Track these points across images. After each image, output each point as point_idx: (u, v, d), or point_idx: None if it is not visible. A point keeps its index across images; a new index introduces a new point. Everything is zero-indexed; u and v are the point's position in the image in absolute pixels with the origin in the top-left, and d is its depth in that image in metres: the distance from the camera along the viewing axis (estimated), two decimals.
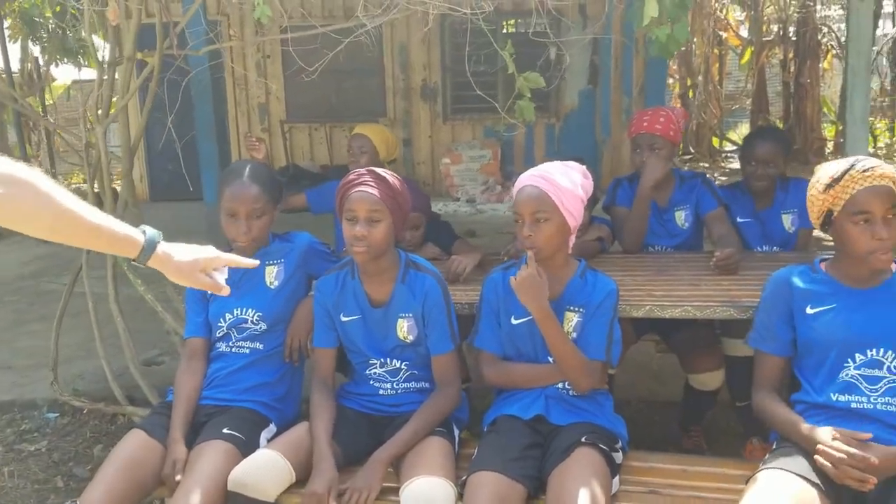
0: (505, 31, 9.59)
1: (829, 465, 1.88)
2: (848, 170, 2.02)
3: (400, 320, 2.37)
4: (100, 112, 3.60)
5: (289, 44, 3.47)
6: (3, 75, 9.43)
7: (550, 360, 2.30)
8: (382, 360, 2.41)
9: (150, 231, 1.57)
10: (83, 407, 3.76)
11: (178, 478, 2.18)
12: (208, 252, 1.63)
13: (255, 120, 10.06)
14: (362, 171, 2.35)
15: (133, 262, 1.56)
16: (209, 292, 2.50)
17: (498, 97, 7.67)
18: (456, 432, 2.39)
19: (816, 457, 1.91)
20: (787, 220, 3.30)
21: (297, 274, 2.59)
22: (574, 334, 2.28)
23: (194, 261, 1.60)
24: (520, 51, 3.39)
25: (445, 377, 2.37)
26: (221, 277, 1.67)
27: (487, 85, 7.95)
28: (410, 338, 2.37)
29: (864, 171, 2.00)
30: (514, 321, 2.33)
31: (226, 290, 1.68)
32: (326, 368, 2.44)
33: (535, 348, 2.32)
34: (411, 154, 9.87)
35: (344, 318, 2.41)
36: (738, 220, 3.32)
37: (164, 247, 1.57)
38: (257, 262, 1.74)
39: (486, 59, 6.02)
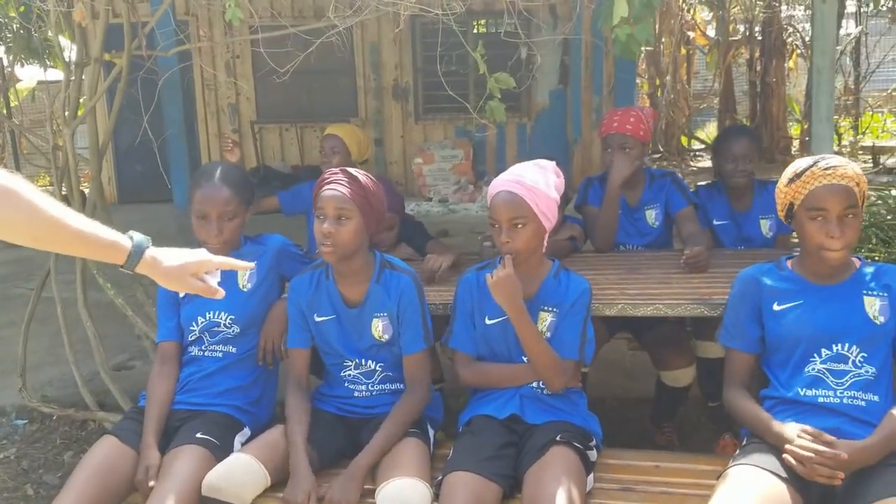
0: (476, 31, 9.62)
1: (798, 464, 1.91)
2: (811, 166, 2.07)
3: (375, 320, 2.37)
4: (67, 114, 3.55)
5: (259, 44, 3.45)
6: None
7: (524, 359, 2.31)
8: (357, 360, 2.41)
9: (138, 236, 1.55)
10: (52, 413, 3.70)
11: (151, 483, 2.15)
12: (199, 255, 1.62)
13: (224, 121, 9.98)
14: (336, 170, 2.35)
15: (121, 269, 1.54)
16: (181, 295, 2.51)
17: (469, 97, 7.71)
18: (431, 433, 2.39)
19: (785, 456, 1.94)
20: (765, 225, 3.33)
21: (269, 276, 2.58)
22: (548, 334, 2.29)
23: (184, 265, 1.58)
24: (491, 51, 3.41)
25: (416, 377, 2.37)
26: (214, 280, 1.65)
27: (459, 85, 7.99)
28: (386, 337, 2.37)
29: (825, 168, 2.04)
30: (488, 321, 2.34)
31: (220, 294, 1.67)
32: (301, 369, 2.43)
33: (508, 348, 2.33)
34: (383, 154, 9.86)
35: (318, 319, 2.41)
36: (715, 222, 3.35)
37: (152, 252, 1.55)
38: (252, 264, 1.71)
39: (457, 60, 6.06)
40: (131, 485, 2.23)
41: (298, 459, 2.19)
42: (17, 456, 3.47)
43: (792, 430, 1.98)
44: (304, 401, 2.36)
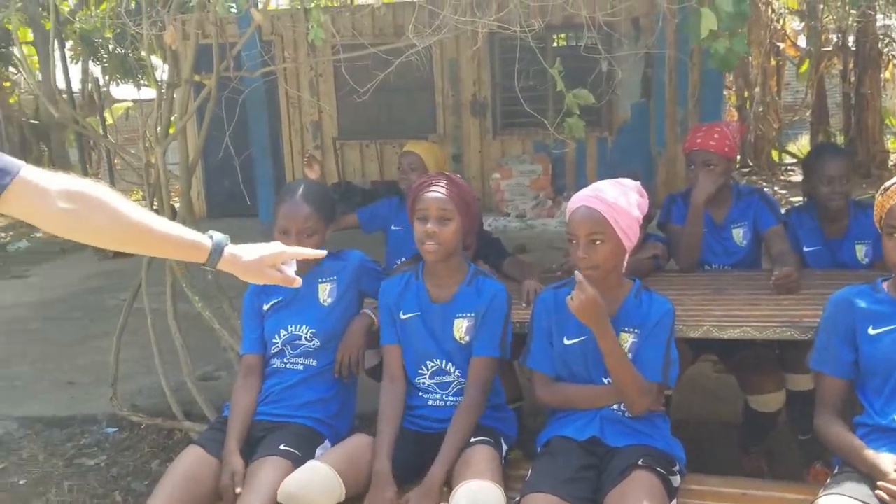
0: (556, 44, 9.56)
1: (891, 501, 1.81)
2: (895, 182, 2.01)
3: (458, 320, 2.39)
4: (159, 132, 3.70)
5: (341, 63, 3.51)
6: (65, 96, 9.76)
7: (605, 381, 2.26)
8: (435, 362, 2.41)
9: (217, 235, 1.61)
10: (141, 422, 3.83)
11: (237, 490, 2.20)
12: (274, 248, 1.67)
13: (308, 138, 10.22)
14: (434, 173, 2.45)
15: (203, 266, 1.59)
16: (265, 308, 2.57)
17: (548, 112, 7.65)
18: (503, 447, 2.37)
19: (877, 492, 1.84)
20: (861, 251, 3.12)
21: (349, 291, 2.61)
22: (630, 355, 2.24)
23: (261, 258, 1.64)
24: (570, 65, 3.37)
25: (478, 379, 2.35)
26: (290, 270, 1.70)
27: (537, 99, 7.93)
28: (466, 339, 2.38)
29: None
30: (566, 341, 2.30)
31: (297, 282, 1.72)
32: (394, 366, 2.46)
33: (588, 369, 2.29)
34: (461, 169, 9.90)
35: (403, 316, 2.44)
36: (805, 249, 3.17)
37: (231, 249, 1.61)
38: (324, 252, 1.79)
39: (535, 74, 6.02)
40: (215, 494, 2.28)
41: (382, 465, 2.20)
42: (107, 463, 3.60)
43: (887, 462, 1.87)
44: (397, 397, 2.40)
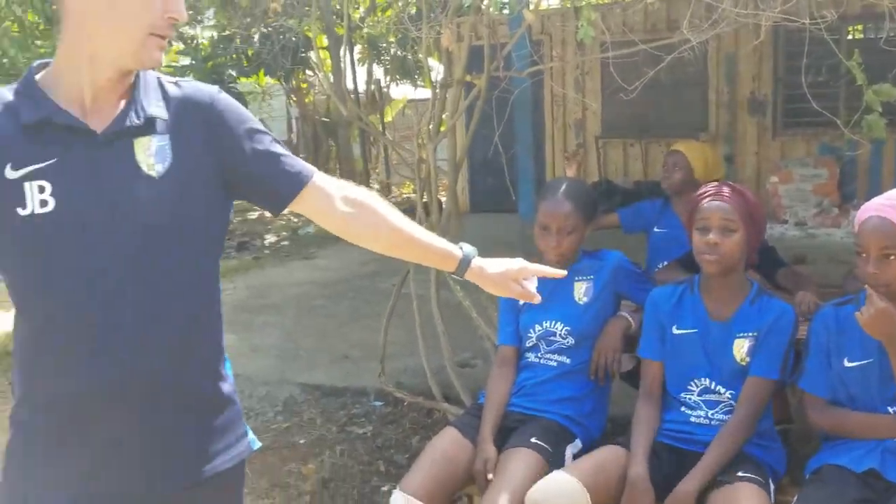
0: (851, 37, 8.68)
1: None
2: None
3: (739, 339, 2.26)
4: (431, 129, 3.92)
5: (609, 61, 3.48)
6: (352, 96, 10.69)
7: (890, 410, 2.02)
8: (707, 381, 2.30)
9: (467, 247, 1.69)
10: (404, 399, 4.10)
11: (489, 476, 2.28)
12: (517, 263, 1.72)
13: (570, 136, 10.25)
14: (719, 183, 2.34)
15: (451, 276, 1.69)
16: (521, 303, 2.63)
17: (839, 111, 6.97)
18: (771, 486, 2.19)
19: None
20: None
21: (605, 292, 2.60)
22: (748, 358, 2.10)
23: (505, 271, 1.69)
24: (868, 59, 3.04)
25: (751, 401, 2.21)
26: (532, 286, 1.74)
27: (826, 97, 7.27)
28: (747, 360, 2.25)
29: None
30: (847, 363, 2.09)
31: (537, 298, 1.75)
32: (654, 382, 2.39)
33: (870, 395, 2.06)
34: (734, 171, 9.32)
35: (677, 331, 2.35)
36: None
37: (478, 261, 1.68)
38: (564, 272, 1.80)
39: (826, 70, 5.52)
40: (467, 475, 2.38)
41: (640, 469, 2.16)
42: (373, 434, 3.91)
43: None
44: (654, 413, 2.33)
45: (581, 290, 2.60)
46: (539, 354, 2.60)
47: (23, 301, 1.34)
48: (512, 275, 1.70)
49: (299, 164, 1.51)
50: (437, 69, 4.33)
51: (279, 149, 1.49)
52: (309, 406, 4.32)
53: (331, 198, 1.52)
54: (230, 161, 1.42)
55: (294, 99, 14.50)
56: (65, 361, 1.32)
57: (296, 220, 11.66)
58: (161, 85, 1.41)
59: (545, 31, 8.97)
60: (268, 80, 12.85)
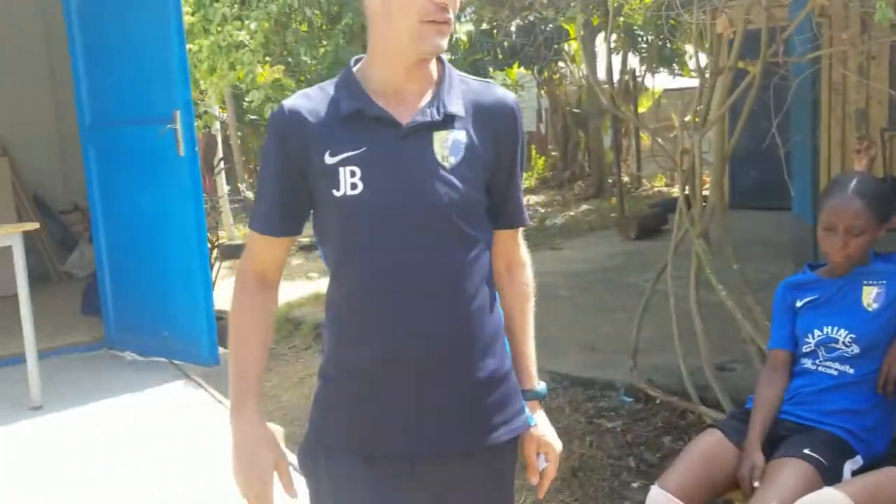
0: None
1: None
2: None
3: None
4: (697, 120, 3.77)
5: None
6: (606, 86, 10.56)
7: None
8: None
9: (542, 384, 1.69)
10: (656, 397, 4.00)
11: (755, 484, 2.18)
12: (556, 448, 1.66)
13: (850, 127, 9.31)
14: None
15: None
16: (798, 304, 2.47)
17: None
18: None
19: None
20: None
21: None
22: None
23: (540, 438, 1.65)
24: None
25: None
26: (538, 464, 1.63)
27: None
28: None
29: None
30: None
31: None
32: None
33: None
34: None
35: None
36: None
37: (541, 413, 1.67)
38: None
39: None
40: (731, 480, 2.29)
41: None
42: (623, 429, 3.86)
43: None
44: None
45: (871, 296, 2.37)
46: (817, 361, 2.42)
47: (336, 269, 1.50)
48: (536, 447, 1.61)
49: (523, 205, 1.62)
50: (694, 56, 4.13)
51: (521, 181, 1.59)
52: (556, 395, 4.37)
53: (510, 251, 1.62)
54: (497, 167, 1.50)
55: (545, 90, 14.63)
56: (370, 324, 1.46)
57: (542, 209, 11.81)
58: (464, 82, 1.51)
59: (824, 13, 8.21)
60: (519, 73, 13.08)
